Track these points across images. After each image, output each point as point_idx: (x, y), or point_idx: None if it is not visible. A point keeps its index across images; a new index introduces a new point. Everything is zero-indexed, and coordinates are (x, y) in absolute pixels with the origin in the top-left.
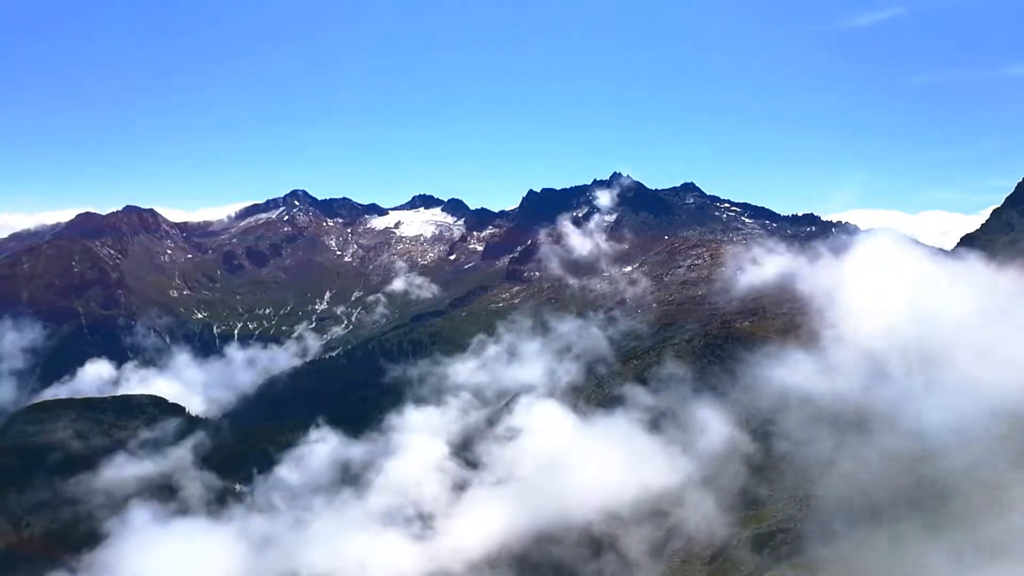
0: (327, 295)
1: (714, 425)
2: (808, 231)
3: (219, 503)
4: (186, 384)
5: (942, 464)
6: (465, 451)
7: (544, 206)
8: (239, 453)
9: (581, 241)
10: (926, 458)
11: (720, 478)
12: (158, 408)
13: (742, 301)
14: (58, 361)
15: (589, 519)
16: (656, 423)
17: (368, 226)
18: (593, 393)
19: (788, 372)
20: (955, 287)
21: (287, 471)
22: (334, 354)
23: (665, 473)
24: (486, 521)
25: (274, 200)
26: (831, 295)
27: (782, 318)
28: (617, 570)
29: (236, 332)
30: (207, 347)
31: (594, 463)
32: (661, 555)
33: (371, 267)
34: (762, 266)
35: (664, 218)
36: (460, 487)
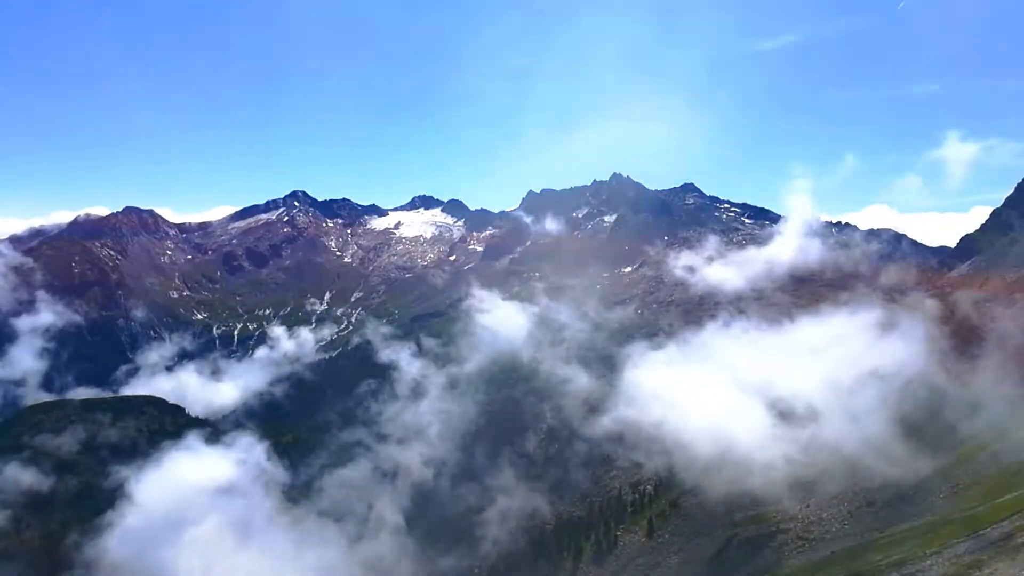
0: (327, 296)
1: None
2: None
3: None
4: (186, 385)
5: None
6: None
7: (544, 206)
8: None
9: (581, 242)
10: None
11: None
12: (157, 409)
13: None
14: (57, 362)
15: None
16: None
17: (368, 227)
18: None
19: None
20: None
21: (288, 470)
22: (334, 355)
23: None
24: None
25: (274, 201)
26: None
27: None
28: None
29: (236, 333)
30: (207, 348)
31: None
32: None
33: (371, 268)
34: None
35: (664, 218)
36: (477, 473)
